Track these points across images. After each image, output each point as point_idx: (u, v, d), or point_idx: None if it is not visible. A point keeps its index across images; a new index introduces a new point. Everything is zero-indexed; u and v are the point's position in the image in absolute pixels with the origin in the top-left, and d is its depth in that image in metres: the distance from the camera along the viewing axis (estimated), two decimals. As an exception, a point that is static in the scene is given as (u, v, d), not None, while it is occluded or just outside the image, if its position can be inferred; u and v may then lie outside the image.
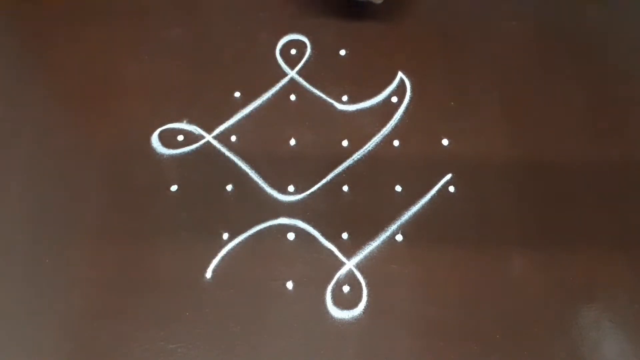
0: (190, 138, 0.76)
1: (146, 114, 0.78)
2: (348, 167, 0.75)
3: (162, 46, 0.83)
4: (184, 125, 0.77)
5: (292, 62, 0.82)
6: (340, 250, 0.69)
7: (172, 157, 0.75)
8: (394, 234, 0.70)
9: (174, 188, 0.72)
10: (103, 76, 0.81)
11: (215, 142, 0.76)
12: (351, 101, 0.79)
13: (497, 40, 0.85)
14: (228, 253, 0.69)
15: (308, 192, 0.73)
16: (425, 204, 0.72)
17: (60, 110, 0.79)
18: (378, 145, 0.76)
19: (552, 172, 0.75)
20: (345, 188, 0.73)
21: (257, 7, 0.87)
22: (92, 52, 0.82)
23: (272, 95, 0.80)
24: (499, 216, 0.72)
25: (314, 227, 0.70)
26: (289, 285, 0.67)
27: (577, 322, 0.66)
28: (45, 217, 0.71)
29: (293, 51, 0.83)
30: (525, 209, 0.72)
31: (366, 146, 0.76)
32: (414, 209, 0.72)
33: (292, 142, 0.76)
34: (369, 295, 0.67)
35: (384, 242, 0.70)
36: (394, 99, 0.80)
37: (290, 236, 0.70)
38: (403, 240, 0.70)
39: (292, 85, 0.80)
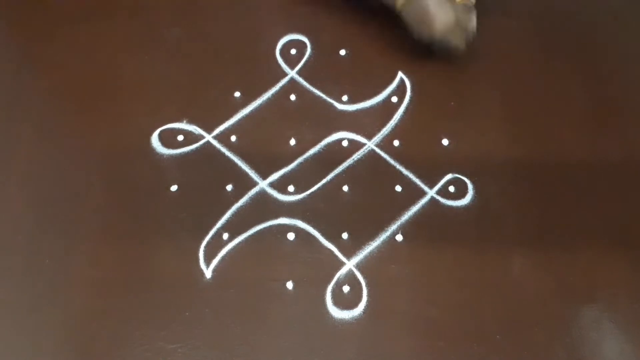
0: (190, 138, 0.76)
1: (146, 114, 0.78)
2: (348, 167, 0.75)
3: (162, 46, 0.83)
4: (184, 125, 0.77)
5: (292, 62, 0.82)
6: (340, 250, 0.69)
7: (172, 157, 0.75)
8: (394, 234, 0.70)
9: (174, 188, 0.72)
10: (103, 76, 0.81)
11: (215, 142, 0.76)
12: (351, 101, 0.79)
13: (497, 40, 0.85)
14: (228, 253, 0.69)
15: (308, 192, 0.73)
16: (425, 204, 0.72)
17: (60, 110, 0.79)
18: (378, 145, 0.76)
19: (552, 172, 0.75)
20: (345, 188, 0.73)
21: (257, 7, 0.87)
22: (91, 52, 0.82)
23: (272, 95, 0.80)
24: (499, 216, 0.72)
25: (314, 227, 0.70)
26: (289, 285, 0.67)
27: (577, 322, 0.66)
28: (46, 217, 0.71)
29: (293, 51, 0.83)
30: (525, 209, 0.72)
31: (366, 146, 0.76)
32: (414, 209, 0.72)
33: (292, 142, 0.76)
34: (369, 295, 0.67)
35: (384, 242, 0.70)
36: (394, 99, 0.80)
37: (290, 236, 0.70)
38: (403, 240, 0.70)
39: (292, 85, 0.80)
